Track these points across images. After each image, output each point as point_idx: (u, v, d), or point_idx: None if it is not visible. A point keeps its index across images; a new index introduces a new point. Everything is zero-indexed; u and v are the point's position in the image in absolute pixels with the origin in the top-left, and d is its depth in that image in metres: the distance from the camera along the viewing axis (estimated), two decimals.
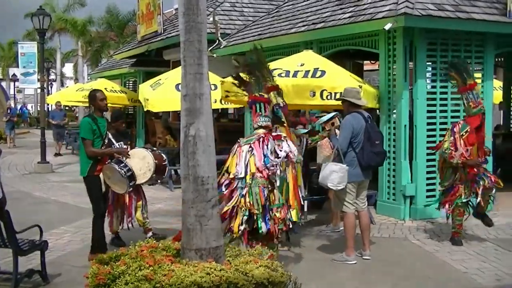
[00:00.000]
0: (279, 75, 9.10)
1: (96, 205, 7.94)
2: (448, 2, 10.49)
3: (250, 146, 7.09)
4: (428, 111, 10.72)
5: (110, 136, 8.41)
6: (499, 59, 14.42)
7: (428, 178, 10.64)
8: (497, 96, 14.96)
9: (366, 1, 11.25)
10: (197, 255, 5.12)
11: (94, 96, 8.07)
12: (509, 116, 15.90)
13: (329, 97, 9.32)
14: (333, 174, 7.64)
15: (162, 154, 8.87)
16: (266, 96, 7.41)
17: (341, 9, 11.85)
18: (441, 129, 10.69)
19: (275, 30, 13.78)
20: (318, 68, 9.66)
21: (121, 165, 7.97)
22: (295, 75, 9.45)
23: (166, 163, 8.81)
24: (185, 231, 5.25)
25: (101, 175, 7.94)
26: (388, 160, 10.49)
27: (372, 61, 16.53)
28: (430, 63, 10.87)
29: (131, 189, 8.26)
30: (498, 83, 15.52)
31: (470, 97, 8.64)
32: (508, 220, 10.40)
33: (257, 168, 6.96)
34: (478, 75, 11.35)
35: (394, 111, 10.79)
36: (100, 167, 7.89)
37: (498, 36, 11.17)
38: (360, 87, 9.47)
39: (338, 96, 9.14)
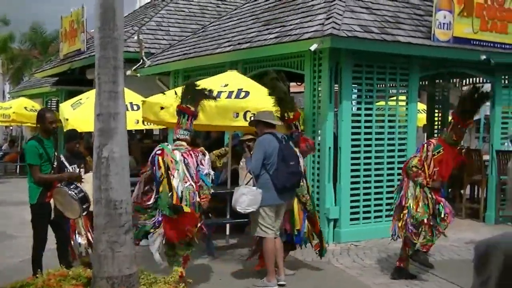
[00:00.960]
0: None
1: (39, 233, 7.46)
2: (374, 24, 10.67)
3: (182, 155, 7.13)
4: (353, 133, 10.81)
5: (62, 158, 7.85)
6: (423, 82, 14.75)
7: (352, 201, 10.73)
8: (421, 118, 15.30)
9: (293, 22, 11.32)
10: (109, 284, 4.93)
11: (43, 117, 7.55)
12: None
13: (252, 118, 9.27)
14: (242, 197, 7.64)
15: None
16: (192, 109, 7.38)
17: (267, 29, 11.90)
18: (365, 151, 10.83)
19: (201, 50, 13.72)
20: (242, 89, 9.61)
21: (71, 187, 7.45)
22: (218, 95, 9.35)
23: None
24: (96, 258, 5.05)
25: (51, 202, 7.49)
26: (312, 183, 10.51)
27: (298, 83, 16.66)
28: (355, 85, 10.99)
29: (84, 212, 7.57)
30: (422, 106, 15.89)
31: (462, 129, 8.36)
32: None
33: (192, 178, 7.08)
34: (402, 97, 11.61)
35: (319, 132, 10.84)
36: (51, 193, 7.42)
37: (423, 59, 11.43)
38: None
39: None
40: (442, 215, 8.10)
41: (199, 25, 17.50)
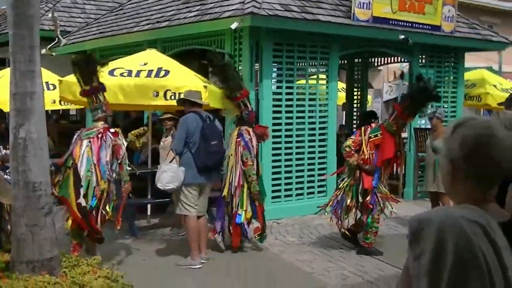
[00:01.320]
0: (121, 74, 8.97)
1: None
2: (294, 3, 10.77)
3: (89, 141, 7.12)
4: (274, 112, 10.92)
5: None
6: (343, 61, 15.04)
7: (273, 179, 10.86)
8: (341, 97, 15.62)
9: (213, 0, 11.28)
10: (29, 268, 4.85)
11: None
12: (351, 117, 16.65)
13: (173, 97, 9.21)
14: (163, 174, 7.74)
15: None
16: (94, 84, 7.41)
17: (186, 7, 11.81)
18: (286, 130, 10.97)
19: (118, 28, 13.51)
20: (161, 68, 9.53)
21: (7, 171, 6.94)
22: (137, 74, 9.26)
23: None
24: (15, 242, 4.96)
25: None
26: None
27: None
28: (276, 64, 11.09)
29: None
30: (341, 85, 16.21)
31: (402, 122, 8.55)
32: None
33: (95, 165, 7.07)
34: (323, 76, 11.80)
35: None
36: None
37: (343, 38, 11.63)
38: (206, 87, 9.47)
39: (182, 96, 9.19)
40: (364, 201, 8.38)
41: (116, 3, 17.19)
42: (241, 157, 8.41)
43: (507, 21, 31.22)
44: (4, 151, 7.62)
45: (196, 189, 7.87)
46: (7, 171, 7.05)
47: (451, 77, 13.99)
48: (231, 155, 8.47)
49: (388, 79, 26.71)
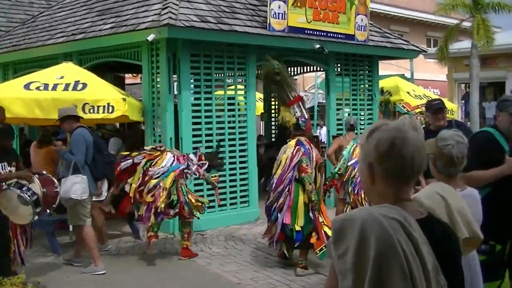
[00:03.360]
0: (37, 88, 8.96)
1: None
2: (211, 14, 10.97)
3: None
4: (194, 123, 11.04)
5: None
6: (260, 71, 15.30)
7: (196, 191, 10.91)
8: (259, 107, 15.89)
9: (128, 12, 11.33)
10: None
11: None
12: (270, 127, 16.97)
13: (91, 110, 9.27)
14: (76, 186, 7.94)
15: (53, 179, 7.75)
16: None
17: (102, 19, 11.81)
18: (206, 141, 11.10)
19: (31, 41, 13.33)
20: (79, 81, 9.55)
21: (24, 189, 6.91)
22: (54, 88, 9.23)
23: (57, 189, 7.66)
24: None
25: None
26: None
27: (134, 74, 16.64)
28: (194, 75, 11.22)
29: (36, 217, 7.09)
30: (259, 95, 16.50)
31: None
32: None
33: None
34: (241, 86, 12.02)
35: (159, 123, 10.96)
36: None
37: (259, 48, 11.88)
38: (124, 99, 9.56)
39: (101, 110, 9.26)
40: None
41: (28, 15, 16.86)
42: (299, 163, 8.04)
43: (416, 29, 32.52)
44: (9, 168, 7.30)
45: (90, 199, 8.28)
46: (23, 189, 6.96)
47: (366, 85, 14.50)
48: (280, 163, 8.33)
49: (304, 88, 27.30)
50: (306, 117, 8.44)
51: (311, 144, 8.31)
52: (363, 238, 2.05)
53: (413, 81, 20.74)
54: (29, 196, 6.92)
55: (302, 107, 8.46)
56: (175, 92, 11.28)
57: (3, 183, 7.00)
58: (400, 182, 2.32)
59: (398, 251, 2.02)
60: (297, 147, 8.13)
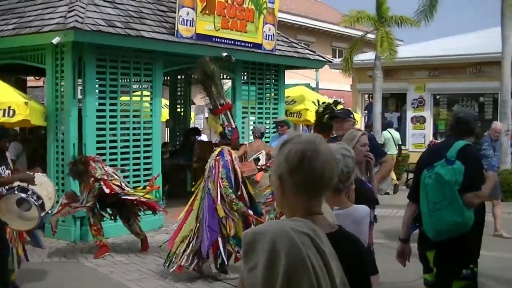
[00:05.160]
0: None
1: None
2: (118, 19, 11.04)
3: None
4: (98, 129, 11.05)
5: None
6: (166, 78, 15.43)
7: None
8: (164, 114, 16.00)
9: (32, 13, 11.22)
10: None
11: None
12: (175, 134, 17.10)
13: None
14: None
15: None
16: None
17: (3, 20, 11.62)
18: (111, 147, 11.12)
19: None
20: None
21: (29, 193, 6.79)
22: None
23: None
24: None
25: None
26: (56, 181, 10.59)
27: (36, 77, 16.39)
28: (99, 80, 11.23)
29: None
30: (165, 101, 16.62)
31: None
32: None
33: None
34: (147, 93, 12.11)
35: (63, 128, 10.90)
36: None
37: (167, 55, 12.04)
38: (26, 103, 9.49)
39: (1, 113, 9.23)
40: None
41: None
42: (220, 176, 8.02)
43: (322, 40, 33.38)
44: (8, 171, 7.17)
45: None
46: (28, 193, 6.89)
47: (272, 94, 14.87)
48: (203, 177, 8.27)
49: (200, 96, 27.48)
50: (234, 126, 8.45)
51: (232, 155, 8.19)
52: (273, 252, 2.06)
53: (318, 91, 21.37)
54: (35, 200, 6.91)
55: (230, 115, 8.49)
56: (80, 97, 11.25)
57: (3, 188, 6.95)
58: (310, 195, 2.35)
59: (308, 265, 2.03)
60: (217, 157, 8.14)
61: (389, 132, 18.38)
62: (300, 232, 2.10)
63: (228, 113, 8.55)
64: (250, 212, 8.11)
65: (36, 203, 6.99)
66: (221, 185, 7.98)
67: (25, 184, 7.13)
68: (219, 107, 8.49)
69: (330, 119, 7.49)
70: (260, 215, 8.26)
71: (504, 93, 17.59)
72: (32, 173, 7.34)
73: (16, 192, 7.00)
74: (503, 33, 17.38)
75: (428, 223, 5.25)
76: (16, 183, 7.14)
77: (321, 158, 2.30)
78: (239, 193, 8.14)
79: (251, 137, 12.56)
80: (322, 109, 9.70)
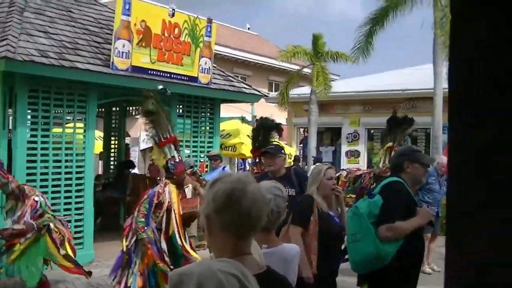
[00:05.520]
0: None
1: None
2: (52, 49, 10.92)
3: None
4: (28, 161, 10.84)
5: None
6: (100, 110, 15.30)
7: None
8: (98, 146, 15.83)
9: None
10: None
11: None
12: (108, 166, 16.90)
13: None
14: None
15: None
16: None
17: None
18: (41, 180, 10.91)
19: None
20: None
21: None
22: None
23: None
24: None
25: None
26: None
27: None
28: (31, 111, 11.04)
29: None
30: (98, 133, 16.46)
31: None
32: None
33: None
34: (80, 124, 11.95)
35: None
36: None
37: (101, 87, 11.94)
38: None
39: None
40: None
41: None
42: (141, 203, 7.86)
43: (259, 73, 33.74)
44: None
45: None
46: None
47: (208, 127, 14.88)
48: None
49: (146, 128, 27.31)
50: (177, 159, 8.22)
51: (166, 188, 7.94)
52: None
53: (254, 124, 21.50)
54: None
55: (174, 149, 8.25)
56: (10, 128, 11.04)
57: None
58: (238, 236, 2.34)
59: None
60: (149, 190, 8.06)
61: None
62: (228, 273, 2.08)
63: (173, 146, 8.41)
64: (154, 247, 7.84)
65: None
66: (135, 213, 7.83)
67: None
68: (163, 140, 8.43)
69: (261, 154, 7.54)
70: (180, 256, 7.89)
71: (436, 128, 18.11)
72: None
73: None
74: (435, 70, 17.96)
75: (349, 255, 5.40)
76: None
77: (248, 198, 2.30)
78: (163, 226, 7.87)
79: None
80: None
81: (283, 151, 7.46)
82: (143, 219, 7.71)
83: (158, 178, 8.73)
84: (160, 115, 8.32)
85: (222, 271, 2.08)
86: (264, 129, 11.28)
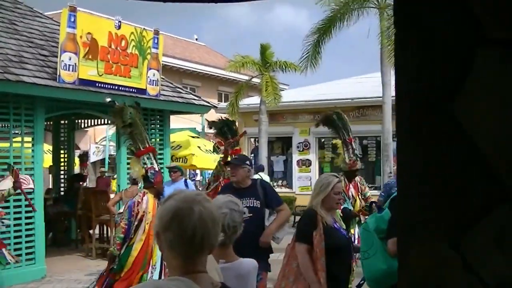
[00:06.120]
0: None
1: None
2: None
3: None
4: None
5: None
6: (48, 123, 15.18)
7: None
8: (47, 159, 15.69)
9: None
10: None
11: None
12: (58, 180, 16.75)
13: None
14: None
15: None
16: None
17: None
18: None
19: None
20: None
21: None
22: None
23: None
24: None
25: None
26: None
27: None
28: None
29: None
30: (47, 147, 16.31)
31: None
32: (62, 286, 10.98)
33: None
34: (28, 138, 11.85)
35: None
36: None
37: (49, 100, 11.87)
38: None
39: None
40: None
41: None
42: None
43: (208, 84, 33.81)
44: None
45: None
46: None
47: (158, 139, 14.86)
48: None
49: (96, 140, 27.19)
50: (157, 169, 8.26)
51: (145, 198, 7.94)
52: None
53: (204, 135, 21.58)
54: None
55: (153, 158, 8.30)
56: None
57: None
58: (185, 255, 2.29)
59: None
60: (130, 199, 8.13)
61: (260, 176, 18.69)
62: None
63: (151, 155, 8.38)
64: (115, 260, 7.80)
65: None
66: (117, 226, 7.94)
67: None
68: (141, 149, 8.31)
69: (225, 165, 7.59)
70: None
71: (386, 136, 18.42)
72: None
73: None
74: (383, 79, 18.26)
75: (364, 272, 5.39)
76: None
77: (193, 218, 2.24)
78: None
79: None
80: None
81: (247, 162, 7.38)
82: (121, 235, 7.75)
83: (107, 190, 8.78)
84: (137, 126, 8.37)
85: None
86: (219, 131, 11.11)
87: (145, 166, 8.16)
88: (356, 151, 10.72)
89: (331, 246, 5.29)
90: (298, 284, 5.35)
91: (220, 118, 11.31)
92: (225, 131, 10.79)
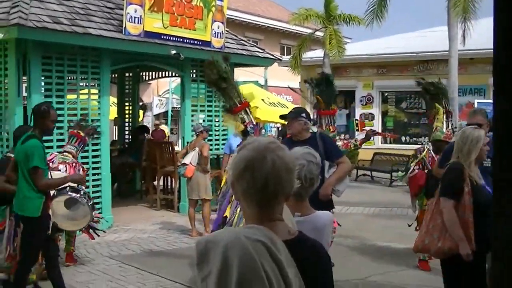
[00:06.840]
0: None
1: (34, 250, 6.67)
2: (64, 15, 10.85)
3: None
4: None
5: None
6: (113, 75, 15.26)
7: None
8: (112, 112, 15.83)
9: None
10: None
11: (47, 113, 6.66)
12: (123, 132, 16.93)
13: None
14: None
15: None
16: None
17: None
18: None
19: None
20: None
21: (81, 193, 7.21)
22: None
23: None
24: None
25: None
26: None
27: None
28: (45, 78, 11.01)
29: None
30: (112, 99, 16.45)
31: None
32: (128, 235, 11.14)
33: None
34: (94, 91, 11.94)
35: (7, 128, 10.67)
36: (50, 202, 6.77)
37: (114, 53, 11.90)
38: None
39: None
40: None
41: None
42: None
43: (270, 37, 33.52)
44: None
45: None
46: (81, 193, 7.39)
47: None
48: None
49: (159, 93, 27.36)
50: (254, 123, 8.12)
51: None
52: (226, 261, 2.02)
53: (267, 88, 21.42)
54: (87, 201, 7.35)
55: (249, 113, 8.10)
56: (25, 95, 11.03)
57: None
58: (260, 204, 2.25)
59: (261, 275, 1.99)
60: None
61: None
62: (254, 240, 2.07)
63: (248, 110, 8.17)
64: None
65: (89, 204, 7.39)
66: None
67: (75, 185, 7.38)
68: (238, 105, 8.09)
69: (282, 118, 7.42)
70: None
71: (452, 91, 17.94)
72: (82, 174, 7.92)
73: (68, 192, 7.30)
74: (450, 33, 17.70)
75: None
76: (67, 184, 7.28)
77: (266, 167, 2.21)
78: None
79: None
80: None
81: (303, 114, 7.14)
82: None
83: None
84: (229, 81, 8.22)
85: (248, 237, 2.08)
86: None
87: (244, 121, 8.05)
88: (453, 124, 10.25)
89: (478, 203, 5.15)
90: (444, 241, 5.24)
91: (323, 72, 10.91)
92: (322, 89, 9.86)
